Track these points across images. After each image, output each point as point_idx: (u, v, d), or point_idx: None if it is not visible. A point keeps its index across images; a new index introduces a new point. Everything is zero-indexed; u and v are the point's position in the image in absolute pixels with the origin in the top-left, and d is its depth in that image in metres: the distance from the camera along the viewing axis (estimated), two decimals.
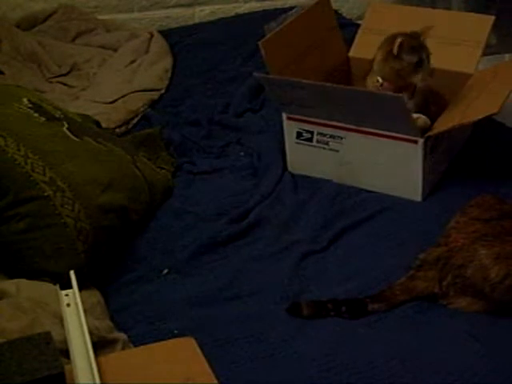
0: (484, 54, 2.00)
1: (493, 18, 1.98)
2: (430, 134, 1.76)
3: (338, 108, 1.81)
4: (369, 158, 1.85)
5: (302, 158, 1.96)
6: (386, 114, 1.74)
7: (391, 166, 1.83)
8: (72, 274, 1.35)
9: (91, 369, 1.09)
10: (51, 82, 2.55)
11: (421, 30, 1.86)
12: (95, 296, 1.52)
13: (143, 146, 2.10)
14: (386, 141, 1.80)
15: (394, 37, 1.85)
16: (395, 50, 1.81)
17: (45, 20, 2.83)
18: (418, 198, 1.82)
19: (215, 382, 1.11)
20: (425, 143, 1.75)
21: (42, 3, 2.86)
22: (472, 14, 2.19)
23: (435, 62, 1.87)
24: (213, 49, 2.72)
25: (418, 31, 1.86)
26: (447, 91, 1.95)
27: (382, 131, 1.79)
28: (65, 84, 2.55)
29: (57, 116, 1.80)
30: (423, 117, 1.83)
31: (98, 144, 1.80)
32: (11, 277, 1.50)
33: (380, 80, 1.87)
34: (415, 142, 1.76)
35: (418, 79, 1.83)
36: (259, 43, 1.84)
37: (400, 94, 1.71)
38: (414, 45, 1.82)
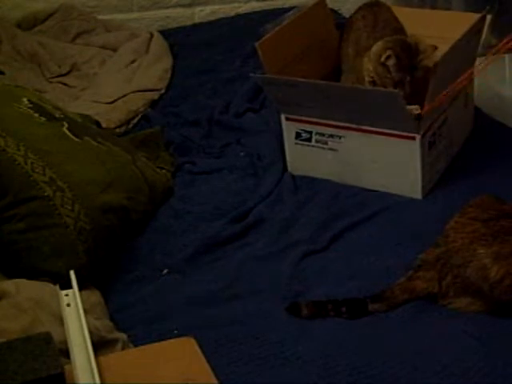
0: (483, 54, 2.00)
1: (489, 17, 1.98)
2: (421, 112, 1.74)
3: (335, 106, 1.81)
4: (368, 157, 1.85)
5: (301, 159, 1.96)
6: (383, 110, 1.74)
7: (390, 164, 1.83)
8: (72, 274, 1.35)
9: (91, 369, 1.09)
10: (51, 82, 2.56)
11: (416, 39, 1.84)
12: (95, 296, 1.52)
13: (143, 146, 2.10)
14: (384, 138, 1.80)
15: (391, 41, 1.85)
16: (383, 59, 1.82)
17: (45, 20, 2.84)
18: (418, 196, 1.82)
19: (215, 381, 1.11)
20: (422, 139, 1.76)
21: (42, 3, 2.86)
22: (470, 13, 2.19)
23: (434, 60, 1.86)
24: (213, 49, 2.72)
25: (414, 41, 1.84)
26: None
27: (379, 129, 1.79)
28: (65, 84, 2.55)
29: (57, 116, 1.80)
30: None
31: (97, 144, 1.80)
32: (11, 277, 1.50)
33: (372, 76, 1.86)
34: (413, 138, 1.76)
35: None
36: (256, 45, 1.84)
37: (396, 90, 1.70)
38: (402, 63, 1.81)
